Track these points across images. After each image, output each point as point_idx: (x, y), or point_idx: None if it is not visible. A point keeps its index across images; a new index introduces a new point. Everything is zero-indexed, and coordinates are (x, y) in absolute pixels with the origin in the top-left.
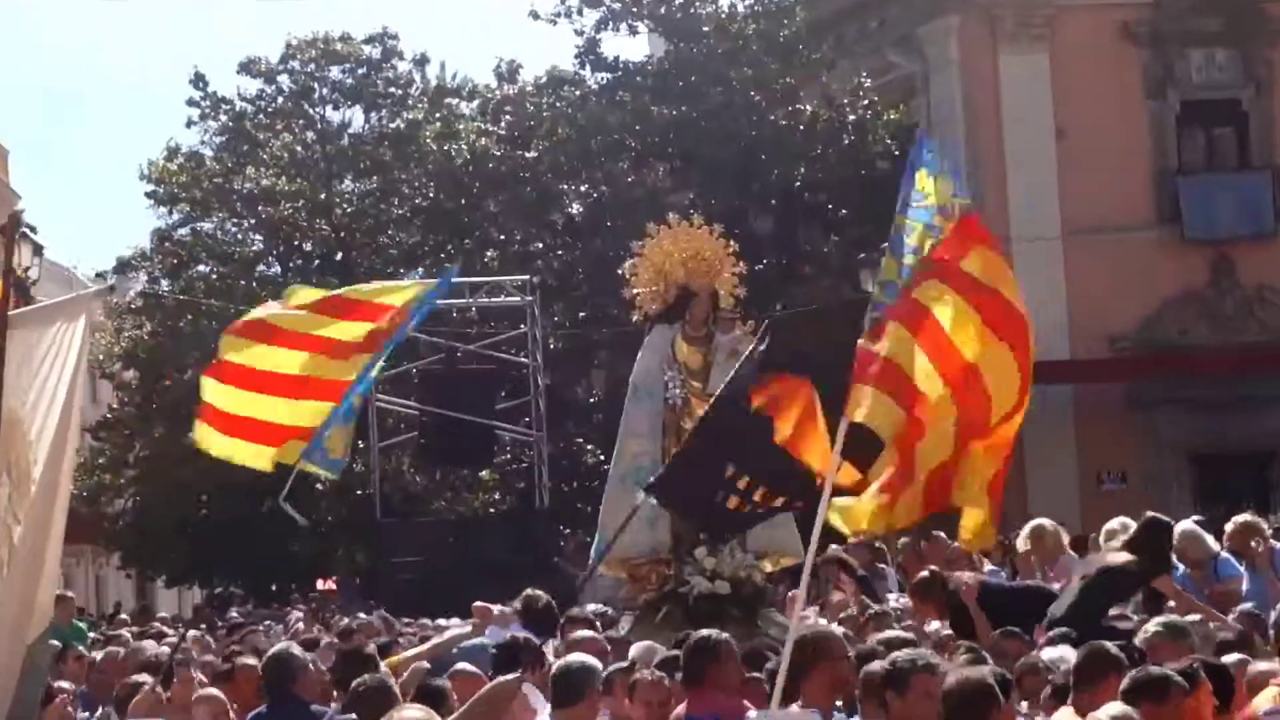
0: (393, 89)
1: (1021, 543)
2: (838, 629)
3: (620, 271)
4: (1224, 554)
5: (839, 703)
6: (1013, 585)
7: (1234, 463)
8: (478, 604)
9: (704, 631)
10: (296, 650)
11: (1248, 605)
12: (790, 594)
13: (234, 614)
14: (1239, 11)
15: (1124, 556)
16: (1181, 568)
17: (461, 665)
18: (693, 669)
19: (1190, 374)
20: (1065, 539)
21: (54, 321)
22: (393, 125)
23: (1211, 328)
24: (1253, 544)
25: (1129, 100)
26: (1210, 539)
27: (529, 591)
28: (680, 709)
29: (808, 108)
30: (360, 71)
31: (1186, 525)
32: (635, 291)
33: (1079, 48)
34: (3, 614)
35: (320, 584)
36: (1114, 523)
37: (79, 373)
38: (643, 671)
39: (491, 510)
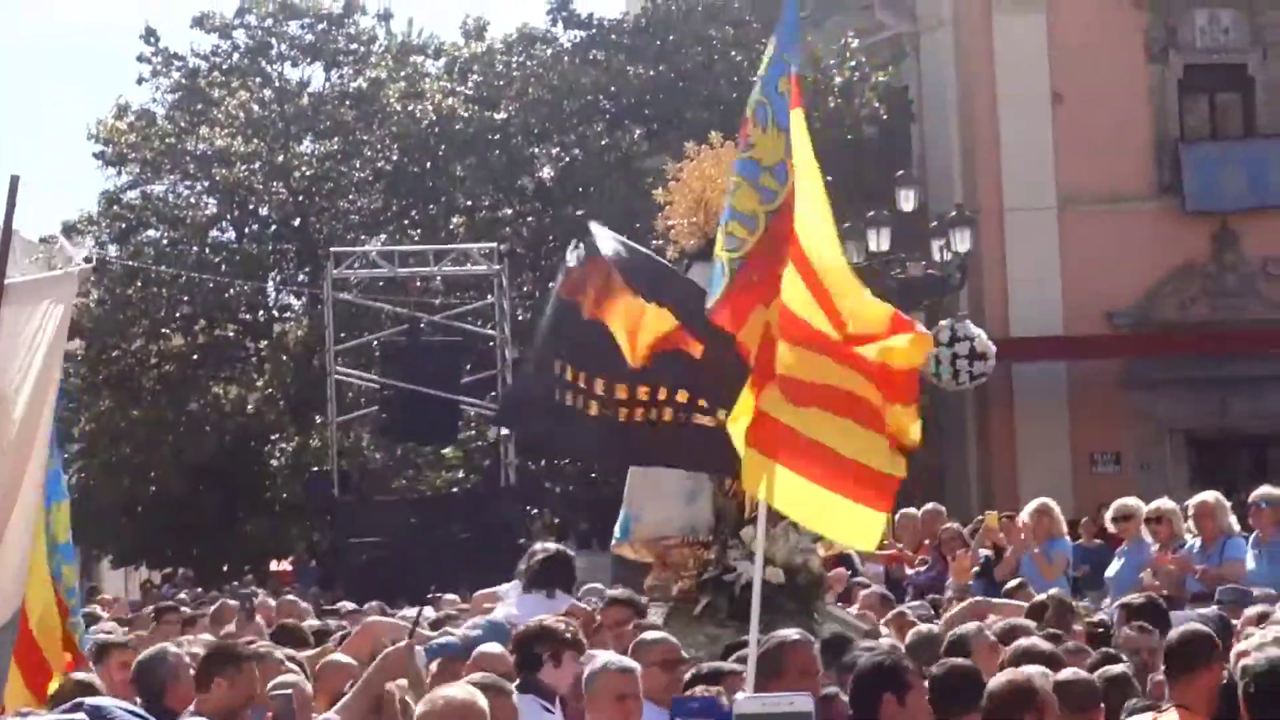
0: (354, 46)
1: (1026, 516)
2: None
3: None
4: (1236, 534)
5: None
6: None
7: (1234, 445)
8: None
9: (785, 632)
10: (172, 653)
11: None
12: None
13: (182, 596)
14: None
15: None
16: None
17: (487, 646)
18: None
19: (1190, 352)
20: (1064, 524)
21: (43, 299)
22: (354, 84)
23: (1213, 304)
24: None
25: (1129, 64)
26: (1232, 518)
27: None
28: None
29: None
30: (320, 27)
31: (1209, 495)
32: (670, 223)
33: (1077, 9)
34: None
35: (275, 565)
36: (1127, 502)
37: (58, 356)
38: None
39: (455, 489)
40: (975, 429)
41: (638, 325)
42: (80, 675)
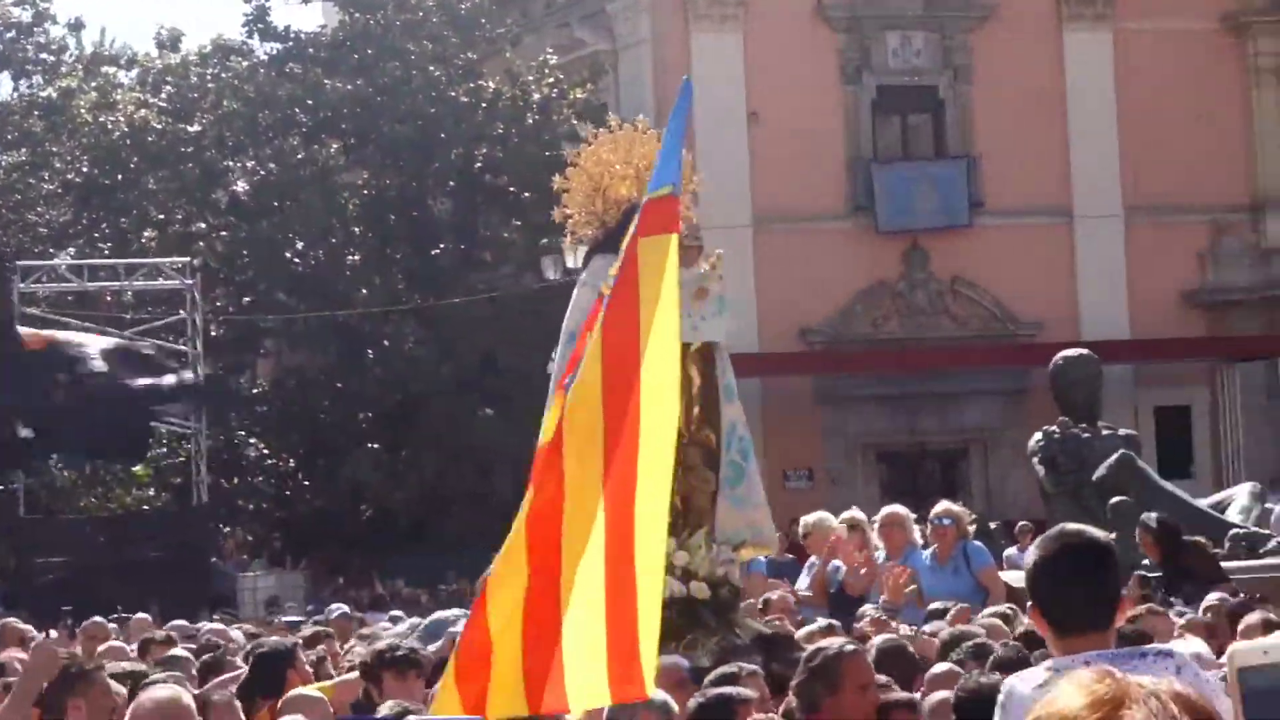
0: (45, 55)
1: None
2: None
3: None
4: (920, 547)
5: None
6: None
7: (923, 459)
8: None
9: (832, 641)
10: None
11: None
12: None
13: None
14: None
15: None
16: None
17: None
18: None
19: (881, 369)
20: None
21: None
22: (44, 94)
23: (904, 322)
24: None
25: (824, 85)
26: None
27: None
28: None
29: (490, 85)
30: (9, 35)
31: (895, 508)
32: (568, 212)
33: (773, 29)
34: None
35: None
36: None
37: None
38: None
39: (145, 507)
40: None
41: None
42: None
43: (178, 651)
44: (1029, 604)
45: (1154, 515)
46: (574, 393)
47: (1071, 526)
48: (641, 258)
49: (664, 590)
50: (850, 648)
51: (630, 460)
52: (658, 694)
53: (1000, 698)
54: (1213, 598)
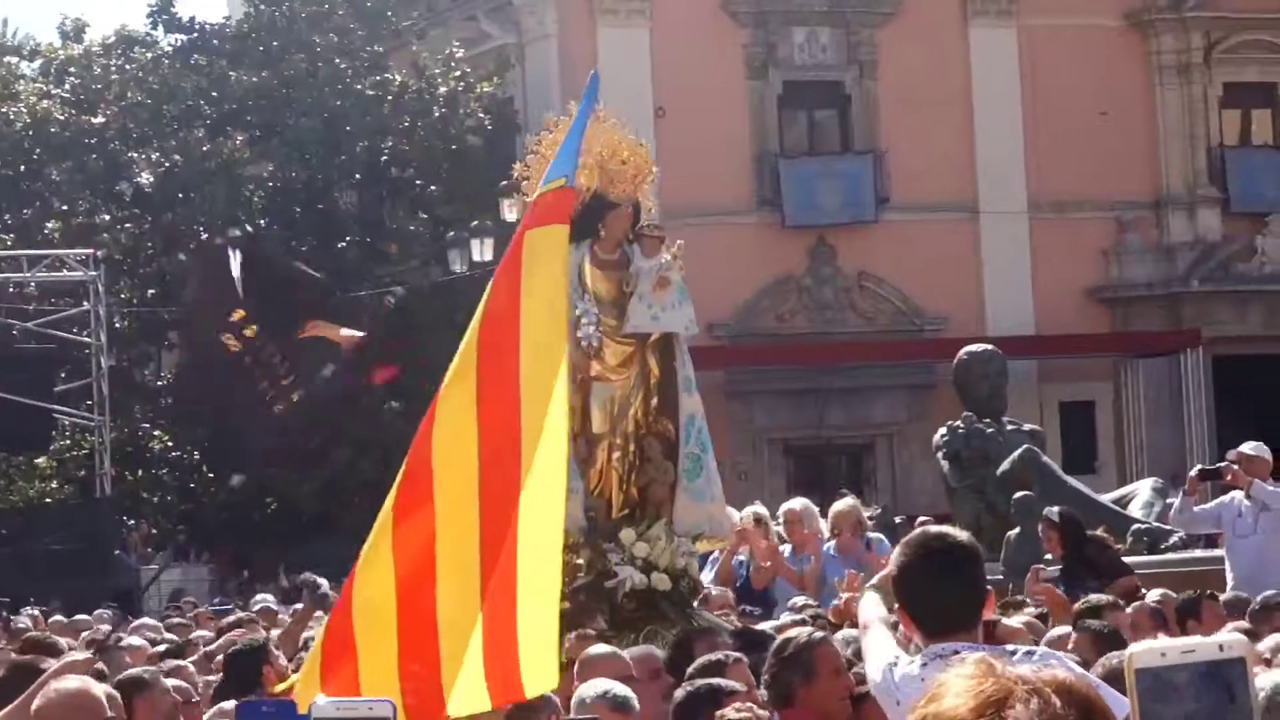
0: None
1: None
2: None
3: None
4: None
5: None
6: None
7: (830, 454)
8: None
9: (800, 630)
10: None
11: None
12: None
13: None
14: None
15: None
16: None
17: None
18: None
19: (788, 363)
20: None
21: None
22: None
23: (810, 316)
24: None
25: (730, 79)
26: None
27: None
28: None
29: (396, 77)
30: None
31: (797, 503)
32: (528, 200)
33: (680, 24)
34: None
35: None
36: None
37: None
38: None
39: (48, 500)
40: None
41: None
42: None
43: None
44: (896, 606)
45: (1056, 509)
46: (447, 381)
47: (934, 529)
48: (528, 248)
49: (625, 581)
50: (819, 634)
51: (511, 451)
52: (606, 685)
53: (879, 676)
54: (1155, 594)
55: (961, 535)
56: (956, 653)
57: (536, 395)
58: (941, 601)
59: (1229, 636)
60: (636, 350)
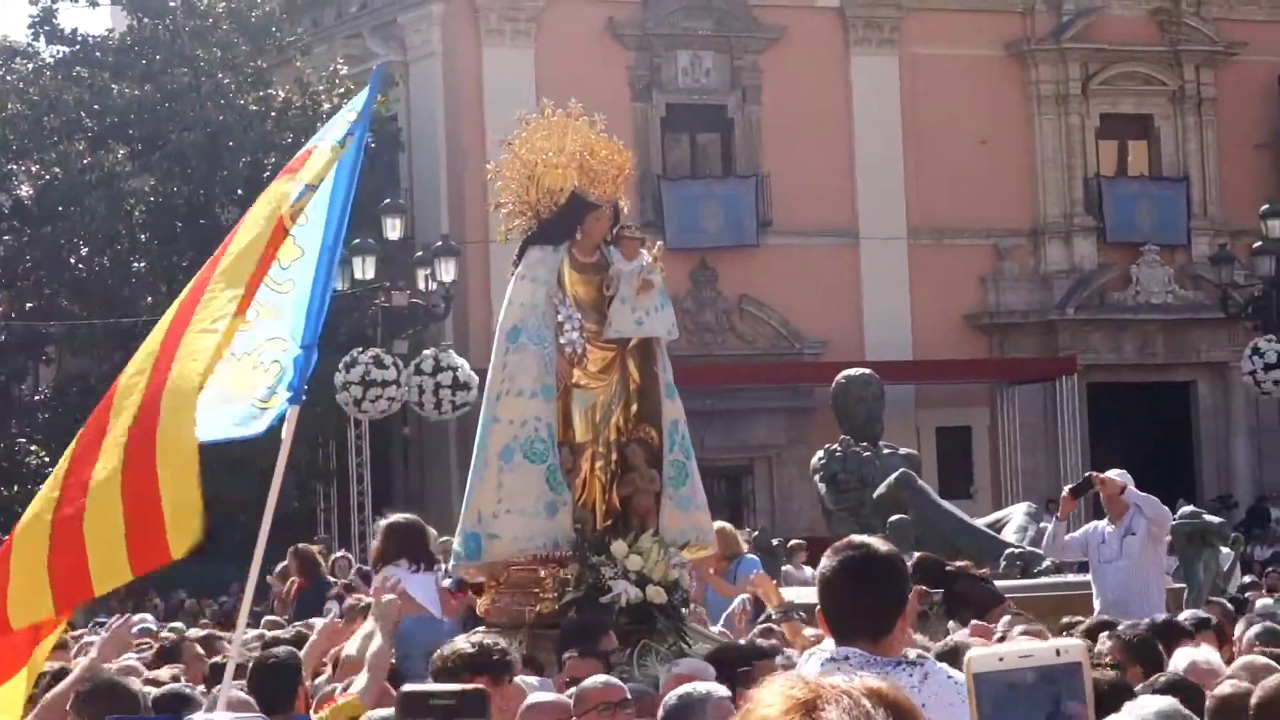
0: None
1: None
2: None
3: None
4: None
5: None
6: None
7: (709, 476)
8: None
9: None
10: None
11: None
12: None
13: None
14: (727, 16)
15: None
16: None
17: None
18: None
19: None
20: None
21: None
22: None
23: (690, 338)
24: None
25: (614, 101)
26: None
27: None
28: None
29: (280, 93)
30: None
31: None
32: (501, 201)
33: (565, 44)
34: None
35: None
36: None
37: None
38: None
39: None
40: (457, 459)
41: None
42: None
43: None
44: (817, 610)
45: (915, 555)
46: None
47: (858, 538)
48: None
49: (620, 595)
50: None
51: (171, 347)
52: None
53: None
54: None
55: (882, 546)
56: (848, 659)
57: (216, 300)
58: (848, 607)
59: (1066, 641)
60: (617, 355)
